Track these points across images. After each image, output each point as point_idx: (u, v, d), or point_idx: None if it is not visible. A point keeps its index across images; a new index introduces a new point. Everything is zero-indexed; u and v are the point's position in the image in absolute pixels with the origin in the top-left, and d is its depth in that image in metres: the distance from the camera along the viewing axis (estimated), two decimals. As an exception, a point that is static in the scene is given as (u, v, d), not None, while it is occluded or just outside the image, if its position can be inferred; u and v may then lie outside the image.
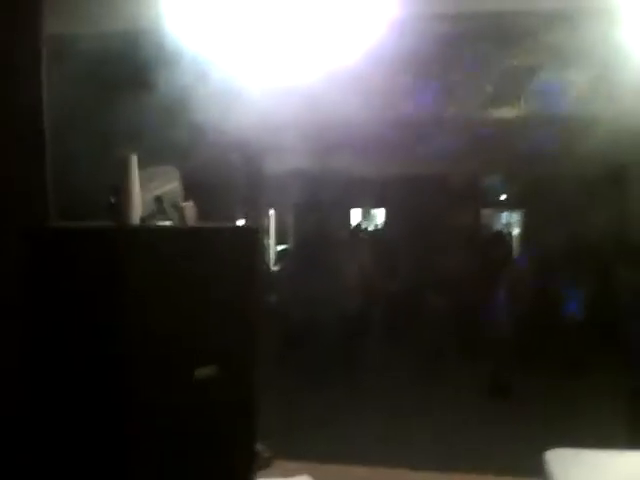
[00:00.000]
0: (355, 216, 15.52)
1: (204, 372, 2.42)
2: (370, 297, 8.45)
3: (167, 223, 2.41)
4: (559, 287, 7.81)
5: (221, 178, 5.73)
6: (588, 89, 6.28)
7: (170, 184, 2.46)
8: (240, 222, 8.04)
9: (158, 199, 2.39)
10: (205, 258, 2.38)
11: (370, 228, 14.53)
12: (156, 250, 2.26)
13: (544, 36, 4.68)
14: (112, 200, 2.26)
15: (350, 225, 14.11)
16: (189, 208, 2.45)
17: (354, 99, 5.43)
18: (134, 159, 2.23)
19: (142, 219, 2.32)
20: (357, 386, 6.91)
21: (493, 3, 3.86)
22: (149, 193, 2.37)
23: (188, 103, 3.42)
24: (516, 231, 14.63)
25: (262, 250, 7.66)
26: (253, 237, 2.54)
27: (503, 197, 13.94)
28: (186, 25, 2.99)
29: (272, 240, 10.66)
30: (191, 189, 2.61)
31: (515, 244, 12.85)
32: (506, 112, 6.69)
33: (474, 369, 7.26)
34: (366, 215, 15.86)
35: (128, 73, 3.55)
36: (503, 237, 12.65)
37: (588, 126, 7.24)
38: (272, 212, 10.68)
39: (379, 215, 15.71)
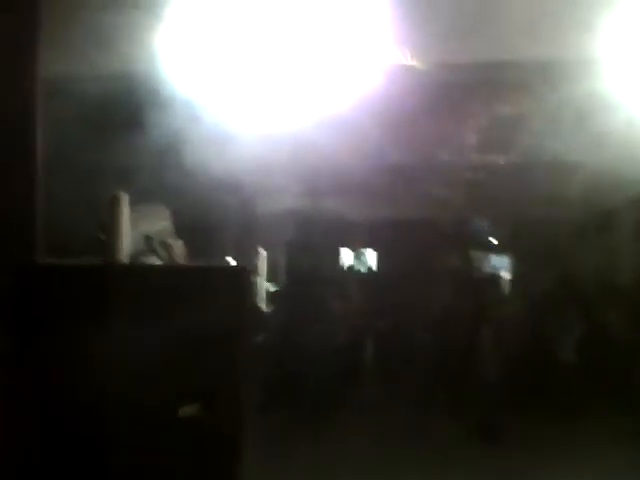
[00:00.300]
0: (346, 257, 15.56)
1: (188, 411, 2.41)
2: (360, 338, 8.42)
3: (156, 262, 2.43)
4: (549, 331, 7.81)
5: (214, 218, 5.77)
6: (575, 136, 6.41)
7: (160, 223, 2.48)
8: (232, 262, 8.05)
9: (147, 238, 2.42)
10: (193, 297, 2.39)
11: (361, 269, 14.56)
12: (144, 288, 2.27)
13: (532, 86, 4.80)
14: (101, 238, 2.29)
15: (341, 266, 14.13)
16: (178, 247, 2.47)
17: (345, 144, 5.52)
18: (124, 198, 2.26)
19: (131, 257, 2.34)
20: (344, 428, 6.83)
21: (483, 54, 3.97)
22: (139, 231, 2.40)
23: (180, 145, 3.47)
24: (505, 274, 14.69)
25: (252, 290, 7.65)
26: (242, 277, 2.56)
27: (493, 241, 14.06)
28: (180, 68, 3.06)
29: (263, 280, 10.64)
30: (183, 229, 2.64)
31: (504, 287, 12.88)
32: (495, 158, 6.81)
33: (463, 413, 7.19)
34: (357, 257, 15.91)
35: (122, 114, 3.60)
36: (492, 280, 12.70)
37: (575, 172, 7.37)
38: (264, 252, 10.69)
39: (370, 257, 15.77)
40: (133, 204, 2.33)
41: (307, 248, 10.11)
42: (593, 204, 9.35)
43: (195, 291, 2.41)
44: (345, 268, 13.79)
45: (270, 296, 9.53)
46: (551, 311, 8.34)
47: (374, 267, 14.94)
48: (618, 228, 10.30)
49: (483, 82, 4.74)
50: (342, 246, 14.96)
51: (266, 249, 11.10)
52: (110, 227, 2.25)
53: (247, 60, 3.16)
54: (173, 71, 3.03)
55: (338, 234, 12.18)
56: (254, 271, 10.27)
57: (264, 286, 10.46)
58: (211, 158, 3.94)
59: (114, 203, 2.25)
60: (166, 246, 2.44)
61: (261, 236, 9.69)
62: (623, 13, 3.26)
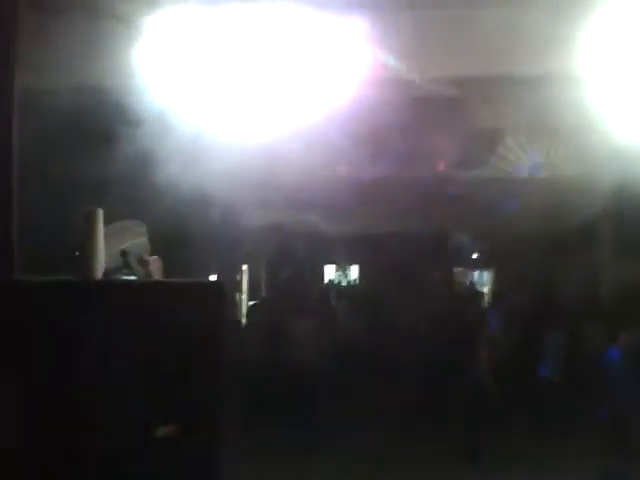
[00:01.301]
0: (329, 272, 15.56)
1: (165, 431, 2.36)
2: (341, 353, 8.38)
3: (132, 277, 2.39)
4: (531, 345, 7.81)
5: (194, 234, 5.73)
6: (556, 151, 6.47)
7: (136, 238, 2.45)
8: (212, 277, 8.00)
9: (123, 253, 2.38)
10: (169, 313, 2.35)
11: (344, 284, 14.54)
12: (119, 304, 2.23)
13: (512, 101, 4.84)
14: (77, 254, 2.25)
15: (324, 280, 14.11)
16: (155, 262, 2.44)
17: (324, 159, 5.53)
18: (99, 213, 2.23)
19: (106, 273, 2.30)
20: (324, 443, 6.76)
21: (460, 69, 3.99)
22: (114, 247, 2.36)
23: (157, 159, 3.44)
24: (487, 289, 14.75)
25: (231, 306, 7.60)
26: (219, 293, 2.52)
27: (475, 256, 14.12)
28: (156, 81, 3.03)
29: (245, 295, 10.59)
30: (160, 244, 2.61)
31: (486, 302, 12.92)
32: (476, 173, 6.84)
33: (445, 430, 7.14)
34: (340, 271, 15.91)
35: (98, 128, 3.56)
36: (475, 295, 12.74)
37: (557, 187, 7.43)
38: (245, 267, 10.65)
39: (353, 271, 15.77)
40: (108, 219, 2.29)
41: (288, 263, 10.09)
42: (571, 218, 9.43)
43: (172, 307, 2.36)
44: (328, 283, 13.78)
45: (251, 311, 9.47)
46: (534, 325, 8.34)
47: (356, 281, 14.96)
48: (600, 243, 10.37)
49: (460, 97, 4.77)
50: (325, 261, 14.97)
51: (247, 264, 11.09)
52: (84, 243, 2.21)
53: (223, 74, 3.14)
54: (149, 84, 3.00)
55: (320, 249, 12.18)
56: (235, 286, 10.24)
57: (245, 301, 10.42)
58: (189, 173, 3.91)
59: (89, 218, 2.22)
60: (142, 261, 2.41)
61: (242, 251, 9.66)
62: (599, 30, 3.30)
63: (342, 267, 15.78)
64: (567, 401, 6.61)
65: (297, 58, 3.16)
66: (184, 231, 4.61)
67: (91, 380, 2.19)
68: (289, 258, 10.11)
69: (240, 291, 10.44)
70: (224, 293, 2.47)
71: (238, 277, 10.15)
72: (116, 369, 2.23)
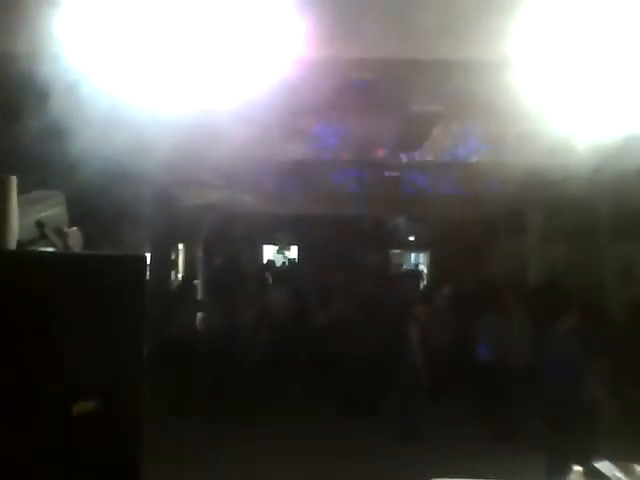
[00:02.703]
0: (268, 252, 15.53)
1: (83, 407, 2.30)
2: (280, 333, 8.37)
3: (49, 249, 2.30)
4: (467, 328, 7.92)
5: (121, 208, 5.56)
6: (492, 137, 6.58)
7: (53, 209, 2.35)
8: (147, 255, 7.83)
9: (39, 223, 2.28)
10: (88, 287, 2.27)
11: (281, 264, 14.54)
12: (34, 277, 2.15)
13: (449, 85, 4.87)
14: (-11, 224, 2.14)
15: (262, 260, 14.07)
16: (74, 234, 2.35)
17: (262, 141, 5.47)
18: (13, 181, 2.13)
19: (21, 244, 2.21)
20: (266, 427, 6.68)
21: (397, 51, 3.99)
22: (30, 217, 2.27)
23: (81, 131, 3.31)
24: (424, 271, 15.04)
25: (164, 284, 7.47)
26: (140, 266, 2.44)
27: (411, 238, 14.35)
28: (84, 52, 2.91)
29: (180, 274, 10.44)
30: (82, 216, 2.52)
31: (423, 283, 13.15)
32: (411, 157, 6.89)
33: (386, 410, 7.16)
34: (279, 251, 15.90)
35: (11, 96, 3.40)
36: (411, 276, 12.94)
37: (492, 172, 7.57)
38: (181, 246, 10.50)
39: (292, 252, 15.79)
40: (25, 188, 2.20)
41: (225, 242, 10.01)
42: (506, 205, 9.65)
43: (91, 281, 2.29)
44: (267, 263, 13.74)
45: (190, 290, 9.33)
46: (469, 307, 8.49)
47: (296, 262, 14.99)
48: (528, 230, 10.65)
49: (398, 79, 4.77)
50: (264, 241, 14.92)
51: (184, 243, 10.93)
52: (-2, 212, 2.11)
53: (156, 43, 3.04)
54: (76, 54, 2.88)
55: (258, 228, 12.12)
56: (171, 265, 10.08)
57: (181, 279, 10.27)
58: (112, 146, 3.79)
59: (1, 186, 2.12)
60: (61, 233, 2.32)
61: (179, 230, 9.50)
62: (535, 17, 3.35)
63: (281, 248, 15.79)
64: (503, 383, 6.70)
65: (230, 35, 3.08)
66: (110, 205, 4.48)
67: (1, 355, 2.11)
68: (226, 238, 10.02)
69: (176, 270, 10.30)
70: (145, 267, 2.39)
71: (173, 255, 9.99)
72: (29, 344, 2.15)
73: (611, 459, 2.37)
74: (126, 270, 2.41)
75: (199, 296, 9.44)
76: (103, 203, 4.30)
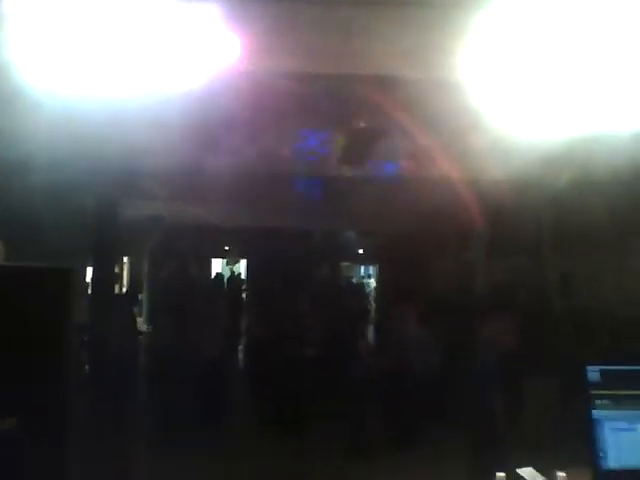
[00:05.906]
0: (216, 266, 15.36)
1: (3, 425, 2.22)
2: (228, 347, 8.25)
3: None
4: (417, 339, 7.95)
5: (65, 220, 5.41)
6: (439, 152, 6.65)
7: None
8: (89, 268, 7.64)
9: (-42, 236, 2.20)
10: (9, 300, 2.20)
11: (229, 277, 14.42)
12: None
13: (391, 100, 4.91)
14: None
15: (209, 274, 13.90)
16: (-4, 247, 2.27)
17: (206, 149, 5.40)
18: None
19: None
20: (212, 443, 6.54)
21: (339, 67, 4.00)
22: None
23: (16, 138, 3.19)
24: (372, 283, 15.16)
25: (105, 297, 7.29)
26: (67, 278, 2.37)
27: (360, 251, 14.44)
28: (18, 57, 2.81)
29: (125, 288, 10.22)
30: (8, 228, 2.44)
31: (371, 296, 13.25)
32: (358, 171, 6.91)
33: (334, 423, 7.10)
34: (227, 264, 15.76)
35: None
36: (359, 289, 13.01)
37: (438, 187, 7.66)
38: (125, 259, 10.29)
39: (240, 265, 15.68)
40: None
41: (172, 255, 9.81)
42: (452, 219, 9.77)
43: (12, 293, 2.21)
44: (215, 276, 13.60)
45: (133, 304, 9.13)
46: (417, 318, 8.55)
47: (245, 275, 14.87)
48: (474, 244, 10.80)
49: (343, 93, 4.79)
50: (211, 254, 14.76)
51: (128, 255, 10.71)
52: None
53: (98, 43, 2.94)
54: (18, 58, 2.78)
55: (208, 241, 11.97)
56: (114, 278, 9.84)
57: (124, 293, 10.05)
58: (56, 155, 3.68)
59: None
60: (-18, 246, 2.23)
61: (122, 242, 9.28)
62: (484, 36, 3.39)
63: (230, 261, 15.65)
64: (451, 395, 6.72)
65: (159, 42, 3.02)
66: (46, 216, 4.33)
67: None
68: (172, 251, 9.85)
69: (120, 283, 10.07)
70: (70, 280, 2.33)
71: (117, 269, 9.77)
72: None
73: (534, 465, 2.40)
74: (51, 282, 2.33)
75: (144, 310, 9.26)
76: (38, 214, 4.16)
